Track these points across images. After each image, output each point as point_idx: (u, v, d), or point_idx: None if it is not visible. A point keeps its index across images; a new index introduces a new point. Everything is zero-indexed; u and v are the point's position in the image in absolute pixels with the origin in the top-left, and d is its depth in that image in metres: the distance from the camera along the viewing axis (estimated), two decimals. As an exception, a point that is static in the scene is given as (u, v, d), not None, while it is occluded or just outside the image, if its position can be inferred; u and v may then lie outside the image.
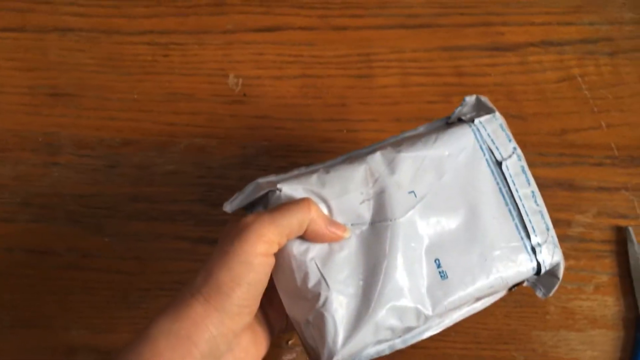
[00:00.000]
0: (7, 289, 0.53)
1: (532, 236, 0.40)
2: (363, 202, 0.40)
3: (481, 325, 0.52)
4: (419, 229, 0.40)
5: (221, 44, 0.64)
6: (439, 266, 0.40)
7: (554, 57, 0.64)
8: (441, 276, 0.40)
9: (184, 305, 0.34)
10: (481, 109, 0.45)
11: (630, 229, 0.55)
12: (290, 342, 0.51)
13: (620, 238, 0.55)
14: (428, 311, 0.39)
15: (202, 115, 0.60)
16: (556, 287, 0.41)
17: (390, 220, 0.39)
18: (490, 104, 0.45)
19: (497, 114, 0.43)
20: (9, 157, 0.58)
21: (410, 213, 0.40)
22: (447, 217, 0.41)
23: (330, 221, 0.38)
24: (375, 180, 0.40)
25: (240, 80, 0.62)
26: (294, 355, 0.51)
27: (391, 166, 0.41)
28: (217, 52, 0.63)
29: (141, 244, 0.55)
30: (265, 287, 0.36)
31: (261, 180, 0.41)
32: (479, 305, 0.42)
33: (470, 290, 0.40)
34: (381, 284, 0.38)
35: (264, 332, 0.41)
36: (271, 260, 0.36)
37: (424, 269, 0.40)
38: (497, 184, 0.42)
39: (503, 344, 0.51)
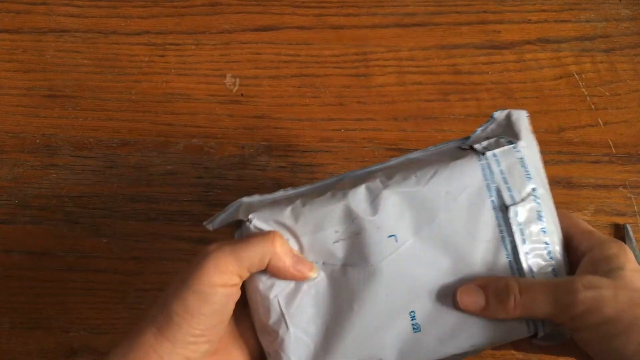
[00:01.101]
0: (6, 291, 0.53)
1: None
2: (337, 241, 0.36)
3: (480, 323, 0.52)
4: (396, 278, 0.36)
5: (218, 44, 0.64)
6: (413, 318, 0.36)
7: (550, 55, 0.64)
8: (414, 329, 0.36)
9: (138, 335, 0.33)
10: (509, 131, 0.38)
11: (628, 226, 0.55)
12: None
13: (619, 235, 0.55)
14: None
15: (200, 115, 0.60)
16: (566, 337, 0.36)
17: (364, 266, 0.36)
18: (523, 125, 0.38)
19: (521, 143, 0.36)
20: (7, 159, 0.58)
21: (387, 260, 0.36)
22: (431, 269, 0.36)
23: (297, 259, 0.35)
24: (353, 220, 0.36)
25: (238, 80, 0.62)
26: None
27: (374, 204, 0.36)
28: (214, 52, 0.63)
29: (140, 244, 0.55)
30: (228, 317, 0.35)
31: (245, 199, 0.38)
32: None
33: (447, 349, 0.36)
34: (345, 332, 0.36)
35: (242, 354, 0.38)
36: (231, 291, 0.34)
37: (396, 320, 0.36)
38: (501, 232, 0.36)
39: (502, 341, 0.51)
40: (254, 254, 0.34)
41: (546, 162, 0.57)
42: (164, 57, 0.63)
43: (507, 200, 0.35)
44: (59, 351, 0.52)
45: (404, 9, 0.66)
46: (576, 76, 0.63)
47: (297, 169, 0.56)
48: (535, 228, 0.35)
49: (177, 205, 0.56)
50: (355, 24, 0.65)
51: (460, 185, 0.36)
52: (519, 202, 0.35)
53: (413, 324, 0.36)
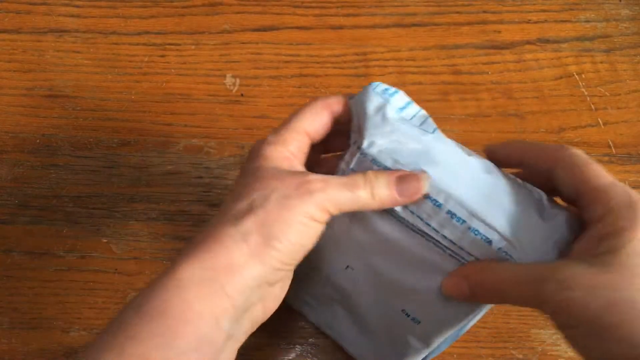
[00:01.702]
0: (6, 291, 0.53)
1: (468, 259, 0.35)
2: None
3: (480, 324, 0.52)
4: (372, 289, 0.41)
5: (218, 44, 0.64)
6: (407, 315, 0.40)
7: (550, 55, 0.64)
8: (414, 322, 0.40)
9: (222, 250, 0.31)
10: (356, 128, 0.37)
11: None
12: (290, 342, 0.51)
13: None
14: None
15: (200, 115, 0.60)
16: None
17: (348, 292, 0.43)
18: (363, 111, 0.36)
19: (365, 143, 0.35)
20: (7, 159, 0.58)
21: (363, 283, 0.41)
22: (397, 277, 0.39)
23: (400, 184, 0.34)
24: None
25: (238, 80, 0.62)
26: (294, 355, 0.51)
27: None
28: (213, 52, 0.63)
29: (140, 244, 0.55)
30: (308, 250, 0.34)
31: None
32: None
33: (451, 327, 0.39)
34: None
35: (290, 275, 0.37)
36: (322, 229, 0.34)
37: (398, 318, 0.40)
38: (413, 230, 0.36)
39: (502, 342, 0.51)
40: (353, 206, 0.34)
41: (546, 162, 0.58)
42: (164, 57, 0.63)
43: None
44: (59, 351, 0.52)
45: (404, 9, 0.66)
46: (576, 76, 0.63)
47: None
48: (428, 207, 0.34)
49: (177, 205, 0.56)
50: (355, 24, 0.65)
51: (350, 216, 0.38)
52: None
53: (412, 319, 0.40)
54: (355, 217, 0.37)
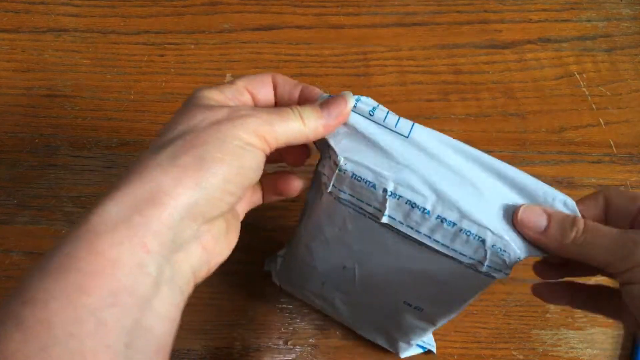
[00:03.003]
0: (5, 291, 0.53)
1: (462, 259, 0.35)
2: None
3: (481, 325, 0.52)
4: (369, 291, 0.42)
5: (217, 44, 0.63)
6: (410, 305, 0.41)
7: (551, 54, 0.64)
8: (418, 310, 0.41)
9: (145, 180, 0.27)
10: (324, 146, 0.37)
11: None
12: (289, 343, 0.51)
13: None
14: None
15: (199, 115, 0.60)
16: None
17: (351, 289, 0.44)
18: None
19: (341, 160, 0.34)
20: (6, 159, 0.57)
21: (359, 283, 0.42)
22: (393, 280, 0.40)
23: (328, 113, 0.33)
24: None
25: (237, 80, 0.61)
26: (294, 355, 0.51)
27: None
28: (213, 52, 0.63)
29: (139, 244, 0.55)
30: (250, 184, 0.32)
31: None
32: None
33: (454, 309, 0.40)
34: None
35: (235, 224, 0.35)
36: (262, 158, 0.31)
37: (403, 310, 0.42)
38: (406, 239, 0.35)
39: (503, 343, 0.51)
40: (287, 134, 0.32)
41: (547, 162, 0.58)
42: (163, 56, 0.63)
43: (378, 216, 0.35)
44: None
45: (404, 8, 0.66)
46: (577, 76, 0.62)
47: (297, 168, 0.56)
48: (417, 216, 0.34)
49: (177, 205, 0.56)
50: (356, 24, 0.65)
51: (340, 225, 0.38)
52: (383, 211, 0.34)
53: (415, 307, 0.41)
54: (345, 226, 0.37)
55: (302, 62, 0.63)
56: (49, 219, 0.55)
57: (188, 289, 0.30)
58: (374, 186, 0.34)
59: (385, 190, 0.33)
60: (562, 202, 0.34)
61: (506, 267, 0.33)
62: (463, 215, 0.33)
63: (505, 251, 0.33)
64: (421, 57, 0.63)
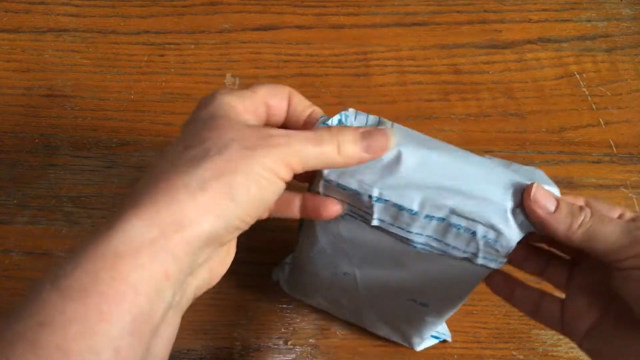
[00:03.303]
0: (5, 291, 0.53)
1: (456, 254, 0.35)
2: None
3: (481, 325, 0.52)
4: (371, 288, 0.42)
5: (217, 43, 0.63)
6: (414, 301, 0.41)
7: (551, 54, 0.64)
8: (423, 306, 0.41)
9: (172, 203, 0.26)
10: None
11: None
12: (289, 343, 0.51)
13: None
14: None
15: (199, 115, 0.60)
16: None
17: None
18: None
19: (321, 184, 0.35)
20: (6, 159, 0.57)
21: (363, 282, 0.42)
22: (391, 280, 0.40)
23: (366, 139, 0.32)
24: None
25: (237, 80, 0.61)
26: (294, 355, 0.51)
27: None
28: (213, 52, 0.63)
29: (139, 244, 0.55)
30: (265, 212, 0.32)
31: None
32: None
33: (456, 302, 0.41)
34: None
35: (234, 241, 0.35)
36: (283, 187, 0.31)
37: (408, 306, 0.42)
38: (403, 242, 0.36)
39: (503, 343, 0.51)
40: (318, 162, 0.31)
41: (547, 162, 0.57)
42: (163, 56, 0.63)
43: (369, 219, 0.35)
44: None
45: (404, 8, 0.66)
46: (577, 76, 0.62)
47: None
48: (405, 217, 0.34)
49: (177, 205, 0.56)
50: (356, 23, 0.65)
51: (335, 232, 0.38)
52: (372, 215, 0.34)
53: (420, 304, 0.41)
54: (339, 232, 0.38)
55: (302, 62, 0.63)
56: (49, 219, 0.55)
57: (186, 306, 0.30)
58: (359, 193, 0.34)
59: (370, 197, 0.33)
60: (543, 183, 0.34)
61: (500, 256, 0.34)
62: (451, 210, 0.33)
63: (497, 241, 0.33)
64: (421, 57, 0.63)
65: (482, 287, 0.52)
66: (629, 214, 0.34)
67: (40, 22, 0.64)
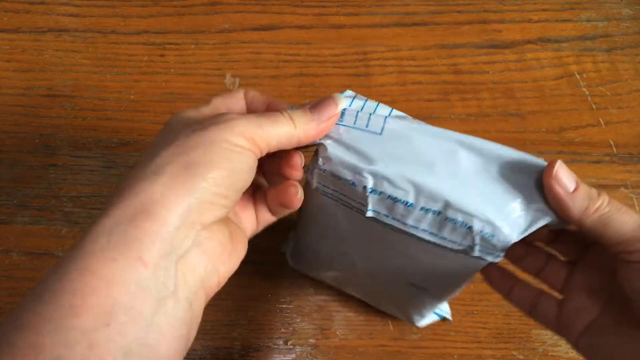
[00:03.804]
0: (5, 291, 0.53)
1: (452, 246, 0.35)
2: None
3: (481, 325, 0.52)
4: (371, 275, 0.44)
5: (217, 43, 0.63)
6: (414, 285, 0.41)
7: (551, 54, 0.64)
8: (423, 288, 0.41)
9: (136, 193, 0.27)
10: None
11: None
12: (289, 343, 0.51)
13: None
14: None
15: (199, 115, 0.60)
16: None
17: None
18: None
19: (319, 161, 0.35)
20: (6, 159, 0.57)
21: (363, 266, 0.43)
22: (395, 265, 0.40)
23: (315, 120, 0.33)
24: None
25: (237, 80, 0.61)
26: (294, 355, 0.51)
27: None
28: (213, 52, 0.63)
29: (139, 244, 0.55)
30: (245, 185, 0.31)
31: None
32: None
33: (453, 290, 0.41)
34: None
35: (241, 234, 0.35)
36: (253, 160, 0.31)
37: (409, 291, 0.43)
38: (402, 233, 0.36)
39: (503, 343, 0.51)
40: (278, 137, 0.31)
41: (547, 162, 0.57)
42: (163, 56, 0.63)
43: (363, 210, 0.35)
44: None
45: (404, 8, 0.66)
46: (577, 76, 0.62)
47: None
48: (400, 209, 0.34)
49: (177, 205, 0.56)
50: (356, 24, 0.65)
51: (332, 216, 0.38)
52: (367, 206, 0.34)
53: (419, 287, 0.41)
54: (336, 216, 0.38)
55: (302, 62, 0.63)
56: (49, 219, 0.55)
57: (198, 301, 0.29)
58: (353, 184, 0.33)
59: (365, 188, 0.33)
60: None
61: (497, 250, 0.33)
62: (447, 204, 0.32)
63: (494, 236, 0.32)
64: (421, 57, 0.63)
65: (482, 287, 0.52)
66: None
67: (41, 22, 0.64)
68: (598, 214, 0.32)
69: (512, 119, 0.60)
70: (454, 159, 0.34)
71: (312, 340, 0.51)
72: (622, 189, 0.57)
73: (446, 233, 0.34)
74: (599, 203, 0.32)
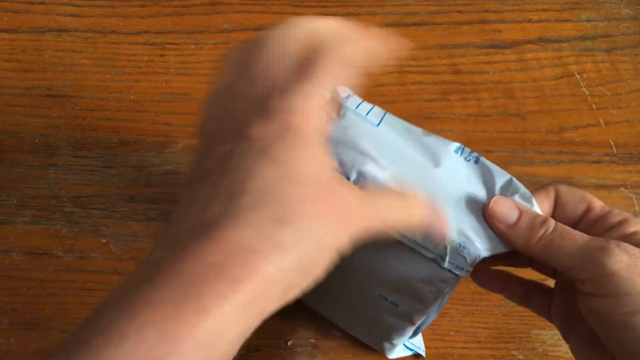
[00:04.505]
0: (4, 291, 0.53)
1: (425, 253, 0.35)
2: None
3: (481, 325, 0.52)
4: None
5: (218, 44, 0.63)
6: (386, 299, 0.40)
7: (551, 54, 0.64)
8: (394, 306, 0.40)
9: (228, 231, 0.23)
10: None
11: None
12: (290, 342, 0.51)
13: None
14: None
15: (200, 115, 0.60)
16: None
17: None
18: None
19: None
20: (6, 159, 0.57)
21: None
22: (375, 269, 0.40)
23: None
24: None
25: (237, 80, 0.61)
26: (294, 355, 0.51)
27: None
28: (213, 52, 0.63)
29: (139, 244, 0.55)
30: None
31: None
32: None
33: (425, 310, 0.39)
34: None
35: None
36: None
37: (379, 305, 0.41)
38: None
39: (503, 343, 0.51)
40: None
41: (547, 162, 0.57)
42: (163, 56, 0.63)
43: None
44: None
45: (404, 8, 0.66)
46: (577, 76, 0.62)
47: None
48: None
49: (177, 205, 0.56)
50: (356, 23, 0.65)
51: None
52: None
53: (391, 302, 0.40)
54: None
55: (302, 62, 0.63)
56: (49, 219, 0.55)
57: None
58: None
59: (348, 179, 0.33)
60: (519, 195, 0.34)
61: (467, 264, 0.33)
62: None
63: (465, 247, 0.33)
64: (421, 57, 0.63)
65: (482, 287, 0.52)
66: (614, 219, 0.34)
67: (40, 22, 0.64)
68: (542, 242, 0.32)
69: (512, 119, 0.60)
70: (434, 170, 0.34)
71: (312, 340, 0.51)
72: (622, 189, 0.57)
73: (419, 237, 0.34)
74: (542, 231, 0.32)
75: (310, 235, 0.24)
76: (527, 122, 0.60)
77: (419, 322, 0.42)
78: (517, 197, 0.34)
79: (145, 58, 0.62)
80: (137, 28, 0.64)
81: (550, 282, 0.40)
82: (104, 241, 0.55)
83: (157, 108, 0.60)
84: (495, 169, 0.36)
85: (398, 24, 0.65)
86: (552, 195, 0.35)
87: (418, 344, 0.49)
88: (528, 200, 0.34)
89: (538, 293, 0.38)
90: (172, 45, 0.63)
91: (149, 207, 0.56)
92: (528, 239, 0.32)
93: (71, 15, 0.64)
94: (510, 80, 0.62)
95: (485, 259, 0.34)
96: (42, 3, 0.65)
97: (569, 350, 0.51)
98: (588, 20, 0.65)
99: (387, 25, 0.65)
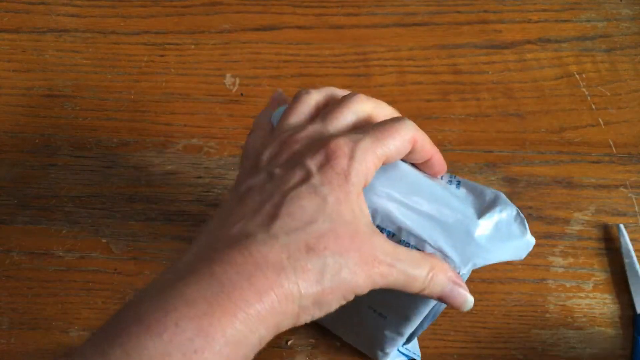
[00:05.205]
0: (5, 291, 0.53)
1: None
2: None
3: (480, 325, 0.52)
4: None
5: (218, 44, 0.63)
6: (374, 311, 0.40)
7: (551, 55, 0.64)
8: (382, 317, 0.40)
9: (255, 254, 0.27)
10: None
11: (622, 225, 0.54)
12: (290, 342, 0.51)
13: (613, 236, 0.55)
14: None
15: (200, 115, 0.60)
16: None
17: None
18: None
19: None
20: (6, 159, 0.57)
21: None
22: None
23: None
24: None
25: (237, 80, 0.62)
26: (294, 355, 0.51)
27: None
28: (213, 52, 0.63)
29: (139, 244, 0.55)
30: None
31: None
32: None
33: (415, 321, 0.39)
34: None
35: None
36: None
37: (368, 315, 0.41)
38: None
39: (502, 342, 0.51)
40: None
41: (547, 162, 0.58)
42: (163, 56, 0.63)
43: None
44: (58, 351, 0.52)
45: (404, 8, 0.66)
46: (577, 76, 0.62)
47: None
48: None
49: (177, 205, 0.56)
50: (356, 24, 0.65)
51: None
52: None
53: (379, 314, 0.40)
54: None
55: (302, 62, 0.63)
56: (49, 219, 0.55)
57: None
58: None
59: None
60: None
61: None
62: (400, 227, 0.33)
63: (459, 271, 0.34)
64: (421, 57, 0.63)
65: (482, 287, 0.52)
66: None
67: (41, 22, 0.64)
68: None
69: (512, 119, 0.60)
70: (420, 187, 0.35)
71: (312, 340, 0.51)
72: (622, 189, 0.57)
73: None
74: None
75: (334, 270, 0.27)
76: (527, 122, 0.60)
77: (407, 334, 0.42)
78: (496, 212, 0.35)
79: (146, 58, 0.62)
80: (137, 28, 0.64)
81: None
82: (104, 241, 0.55)
83: (157, 108, 0.60)
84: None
85: (398, 24, 0.65)
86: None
87: (413, 349, 0.49)
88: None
89: None
90: (172, 46, 0.63)
91: (149, 207, 0.56)
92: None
93: (71, 15, 0.64)
94: (510, 81, 0.62)
95: None
96: (43, 3, 0.65)
97: (568, 350, 0.51)
98: (588, 21, 0.65)
99: (387, 25, 0.65)
